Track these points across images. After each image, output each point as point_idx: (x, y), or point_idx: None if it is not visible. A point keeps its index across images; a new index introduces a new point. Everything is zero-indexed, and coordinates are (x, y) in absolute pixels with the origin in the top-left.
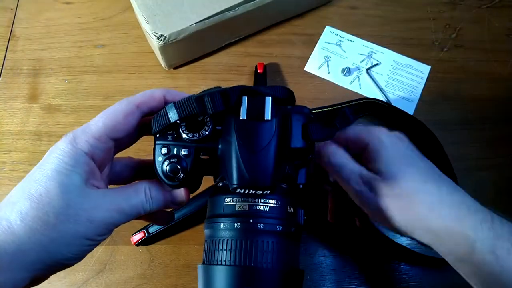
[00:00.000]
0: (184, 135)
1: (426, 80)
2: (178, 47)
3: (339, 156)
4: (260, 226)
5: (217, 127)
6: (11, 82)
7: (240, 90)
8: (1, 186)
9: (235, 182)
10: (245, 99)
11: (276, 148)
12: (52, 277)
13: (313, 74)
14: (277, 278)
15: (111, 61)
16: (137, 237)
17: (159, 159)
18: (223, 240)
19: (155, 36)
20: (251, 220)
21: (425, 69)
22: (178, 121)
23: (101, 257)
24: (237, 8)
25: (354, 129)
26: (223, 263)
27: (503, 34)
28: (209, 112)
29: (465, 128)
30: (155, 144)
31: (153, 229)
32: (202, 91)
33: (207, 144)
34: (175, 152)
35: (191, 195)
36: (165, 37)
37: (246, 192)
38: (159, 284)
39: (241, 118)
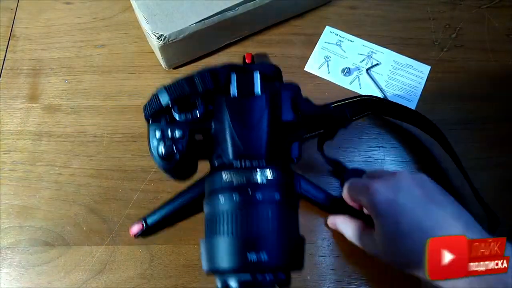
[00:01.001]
0: (177, 117)
1: (426, 80)
2: (178, 47)
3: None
4: (259, 196)
5: (209, 107)
6: (11, 82)
7: (228, 67)
8: (1, 186)
9: (230, 155)
10: (234, 75)
11: (268, 121)
12: (52, 277)
13: (313, 74)
14: (279, 243)
15: (111, 61)
16: (135, 228)
17: (154, 143)
18: (223, 213)
19: (155, 36)
20: (250, 192)
21: (425, 69)
22: (169, 105)
23: (101, 257)
24: (237, 8)
25: (349, 190)
26: (225, 234)
27: (503, 34)
28: (200, 91)
29: (465, 128)
30: (149, 129)
31: (151, 220)
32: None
33: (200, 125)
34: (169, 135)
35: (189, 180)
36: (165, 37)
37: (243, 165)
38: (159, 284)
39: (231, 95)
